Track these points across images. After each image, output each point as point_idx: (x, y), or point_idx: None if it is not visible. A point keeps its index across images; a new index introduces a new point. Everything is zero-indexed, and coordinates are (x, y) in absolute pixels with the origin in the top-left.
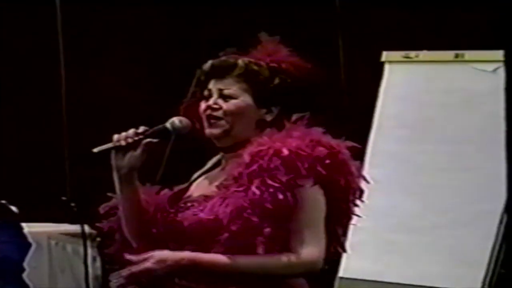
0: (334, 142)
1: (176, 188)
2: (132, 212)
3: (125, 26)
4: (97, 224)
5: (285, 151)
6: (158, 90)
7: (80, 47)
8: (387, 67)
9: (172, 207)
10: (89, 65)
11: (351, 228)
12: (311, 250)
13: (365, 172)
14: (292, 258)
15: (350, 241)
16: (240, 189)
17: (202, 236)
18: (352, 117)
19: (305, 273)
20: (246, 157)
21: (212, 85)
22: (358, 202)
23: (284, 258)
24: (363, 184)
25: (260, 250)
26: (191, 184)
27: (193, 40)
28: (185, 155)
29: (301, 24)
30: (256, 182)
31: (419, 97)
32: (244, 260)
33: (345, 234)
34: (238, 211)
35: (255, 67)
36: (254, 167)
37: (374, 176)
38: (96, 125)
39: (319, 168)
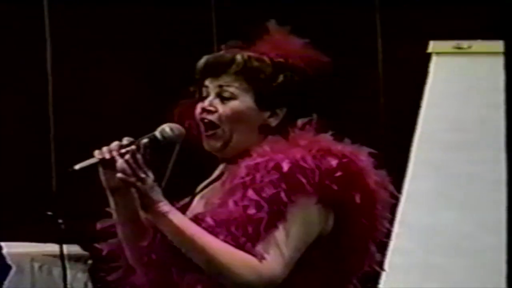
0: (348, 149)
1: (179, 204)
2: (131, 236)
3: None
4: (96, 245)
5: (285, 165)
6: (153, 91)
7: (68, 49)
8: (434, 59)
9: None
10: (78, 67)
11: (390, 250)
12: (273, 266)
13: (406, 184)
14: (247, 258)
15: (389, 264)
16: (220, 203)
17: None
18: (391, 120)
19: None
20: (242, 170)
21: (210, 83)
22: (386, 216)
23: (240, 254)
24: (390, 196)
25: None
26: (194, 198)
27: (192, 32)
28: (194, 162)
29: (333, 10)
30: (237, 194)
31: (472, 95)
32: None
33: (382, 252)
34: (208, 231)
35: (256, 63)
36: (246, 179)
37: (417, 189)
38: (86, 132)
39: (327, 182)
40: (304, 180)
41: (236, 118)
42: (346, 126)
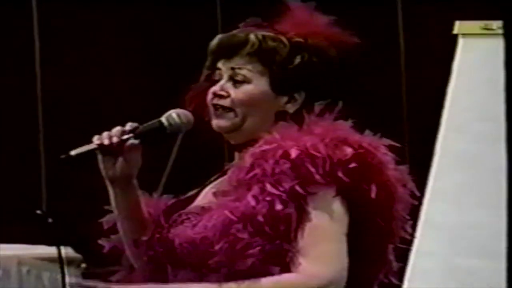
0: (366, 140)
1: (184, 196)
2: (132, 230)
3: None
4: (99, 242)
5: (293, 153)
6: (155, 76)
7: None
8: (461, 41)
9: (167, 221)
10: (67, 60)
11: (414, 252)
12: (320, 269)
13: (431, 179)
14: (294, 278)
15: (412, 268)
16: (235, 198)
17: (194, 258)
18: (414, 109)
19: None
20: (248, 159)
21: (222, 65)
22: (406, 219)
23: (284, 279)
24: (410, 195)
25: (252, 272)
26: (202, 189)
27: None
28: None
29: None
30: (255, 189)
31: (504, 81)
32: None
33: (402, 259)
34: (225, 227)
35: (272, 44)
36: (256, 170)
37: (443, 185)
38: (78, 123)
39: (340, 174)
40: (313, 169)
41: (249, 103)
42: (367, 114)
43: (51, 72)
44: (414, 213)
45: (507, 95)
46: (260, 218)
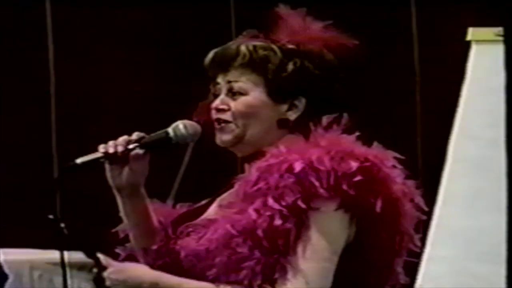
0: (372, 153)
1: (194, 207)
2: (143, 239)
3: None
4: (116, 250)
5: (298, 166)
6: (164, 88)
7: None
8: (474, 48)
9: (174, 232)
10: (82, 63)
11: (425, 257)
12: (301, 286)
13: (443, 184)
14: None
15: (424, 274)
16: (237, 211)
17: (199, 270)
18: (426, 114)
19: None
20: (254, 173)
21: (221, 79)
22: (411, 233)
23: None
24: (417, 210)
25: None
26: (214, 200)
27: (210, 20)
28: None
29: None
30: (257, 202)
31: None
32: None
33: (413, 264)
34: (226, 240)
35: (263, 53)
36: (261, 184)
37: (455, 190)
38: (91, 129)
39: (344, 187)
40: (317, 183)
41: (249, 114)
42: (377, 124)
43: (64, 80)
44: (426, 219)
45: (507, 97)
46: (259, 232)
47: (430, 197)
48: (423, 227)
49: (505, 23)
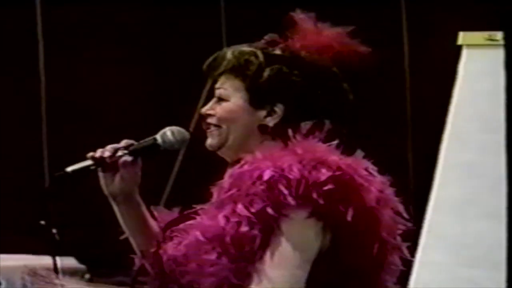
0: (346, 162)
1: (186, 212)
2: (144, 245)
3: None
4: (132, 256)
5: (267, 175)
6: (159, 93)
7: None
8: (465, 52)
9: (163, 236)
10: (72, 67)
11: (417, 262)
12: None
13: (434, 190)
14: None
15: (415, 280)
16: (209, 217)
17: (177, 276)
18: (418, 119)
19: None
20: (227, 179)
21: (215, 85)
22: (394, 242)
23: None
24: (398, 218)
25: None
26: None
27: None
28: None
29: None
30: (227, 209)
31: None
32: None
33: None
34: (196, 246)
35: (244, 58)
36: (233, 191)
37: (446, 195)
38: (82, 137)
39: (314, 196)
40: (286, 192)
41: (229, 119)
42: (367, 129)
43: (55, 83)
44: (417, 224)
45: (507, 100)
46: (227, 239)
47: (422, 203)
48: (414, 233)
49: (504, 25)
